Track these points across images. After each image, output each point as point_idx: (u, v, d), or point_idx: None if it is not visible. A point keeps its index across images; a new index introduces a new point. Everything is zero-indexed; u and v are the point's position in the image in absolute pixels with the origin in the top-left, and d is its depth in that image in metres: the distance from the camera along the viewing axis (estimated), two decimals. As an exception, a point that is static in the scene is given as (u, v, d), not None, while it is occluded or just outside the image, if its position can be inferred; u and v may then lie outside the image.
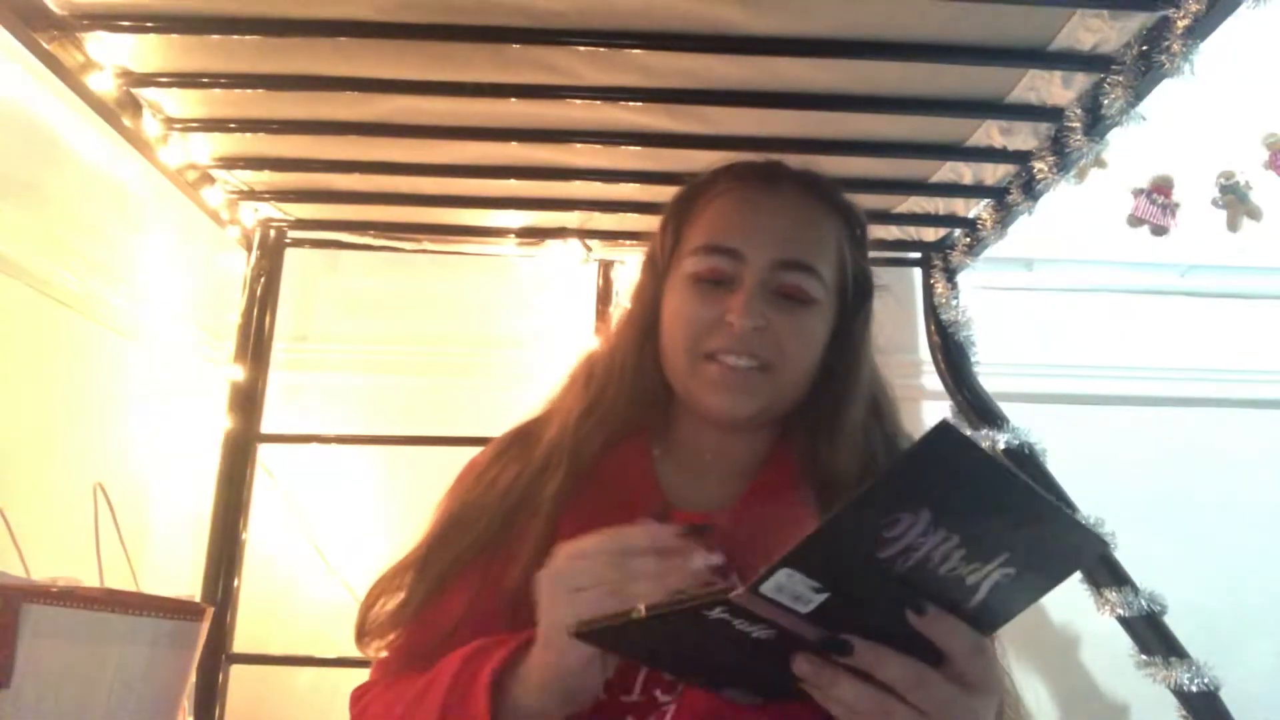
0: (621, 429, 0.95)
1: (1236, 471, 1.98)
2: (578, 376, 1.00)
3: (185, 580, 1.77)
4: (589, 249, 1.80)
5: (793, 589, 0.57)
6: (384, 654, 0.94)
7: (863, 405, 0.94)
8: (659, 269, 0.98)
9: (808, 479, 0.92)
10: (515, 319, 2.02)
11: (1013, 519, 0.57)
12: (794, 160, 1.01)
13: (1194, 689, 1.42)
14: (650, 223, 1.61)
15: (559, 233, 1.76)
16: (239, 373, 1.72)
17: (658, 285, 0.98)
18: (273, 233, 1.79)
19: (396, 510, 1.88)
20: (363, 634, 0.93)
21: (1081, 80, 1.25)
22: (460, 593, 0.89)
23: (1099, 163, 1.87)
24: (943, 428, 0.52)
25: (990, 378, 1.76)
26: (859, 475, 0.89)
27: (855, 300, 0.96)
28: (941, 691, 0.61)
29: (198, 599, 1.56)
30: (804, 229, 0.93)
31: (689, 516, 0.90)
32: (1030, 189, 1.46)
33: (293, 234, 1.81)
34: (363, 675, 0.95)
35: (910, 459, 0.54)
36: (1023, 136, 1.40)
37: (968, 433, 0.51)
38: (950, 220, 1.70)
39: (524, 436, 0.99)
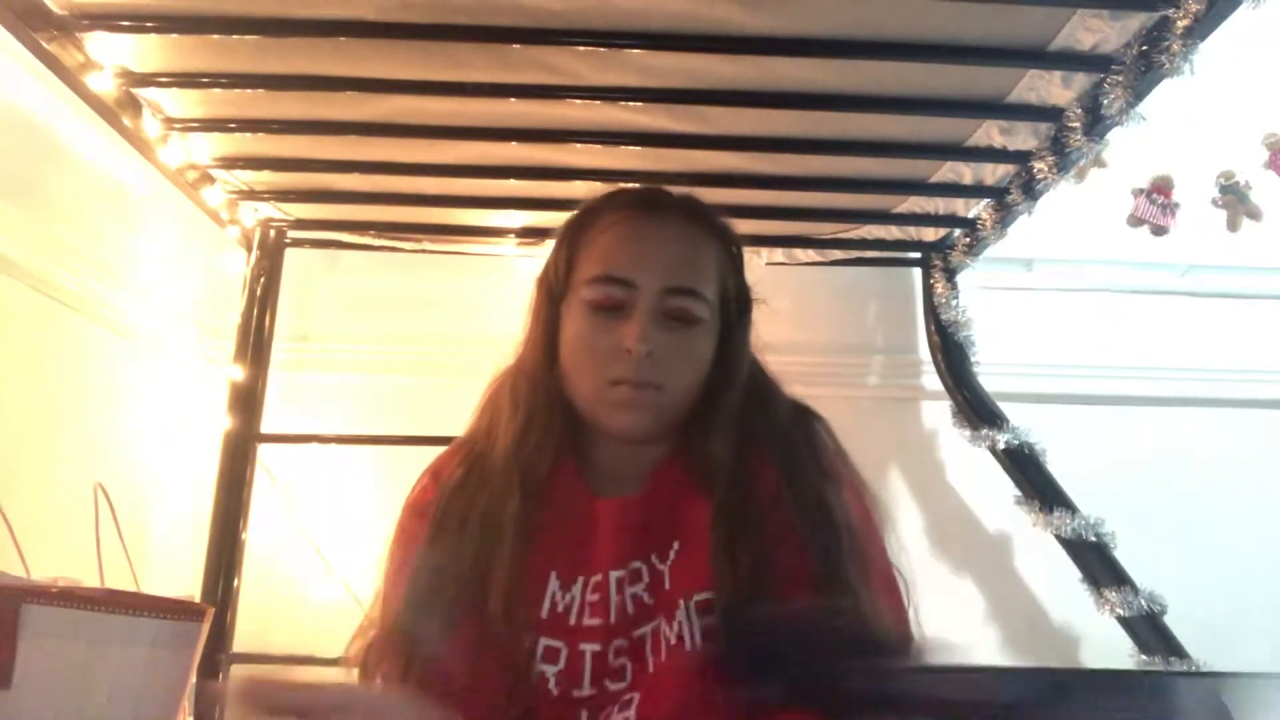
0: (556, 449, 1.00)
1: (1236, 471, 1.98)
2: (502, 400, 1.06)
3: (185, 580, 1.77)
4: (589, 249, 1.80)
5: None
6: None
7: (738, 398, 1.02)
8: (554, 293, 1.04)
9: (697, 467, 0.99)
10: (515, 319, 2.02)
11: None
12: (676, 190, 1.08)
13: (1194, 689, 1.42)
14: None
15: (559, 233, 1.76)
16: (239, 373, 1.72)
17: (554, 308, 1.04)
18: (273, 233, 1.79)
19: (396, 510, 1.87)
20: None
21: (1081, 80, 1.25)
22: (460, 649, 0.89)
23: (1099, 163, 1.86)
24: None
25: (990, 378, 1.76)
26: (734, 456, 0.98)
27: (736, 314, 1.04)
28: None
29: (198, 599, 1.56)
30: (688, 256, 1.01)
31: (611, 504, 0.98)
32: (1030, 189, 1.47)
33: (293, 234, 1.81)
34: (362, 675, 0.95)
35: None
36: (1023, 136, 1.40)
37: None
38: (950, 220, 1.70)
39: (478, 463, 1.01)
